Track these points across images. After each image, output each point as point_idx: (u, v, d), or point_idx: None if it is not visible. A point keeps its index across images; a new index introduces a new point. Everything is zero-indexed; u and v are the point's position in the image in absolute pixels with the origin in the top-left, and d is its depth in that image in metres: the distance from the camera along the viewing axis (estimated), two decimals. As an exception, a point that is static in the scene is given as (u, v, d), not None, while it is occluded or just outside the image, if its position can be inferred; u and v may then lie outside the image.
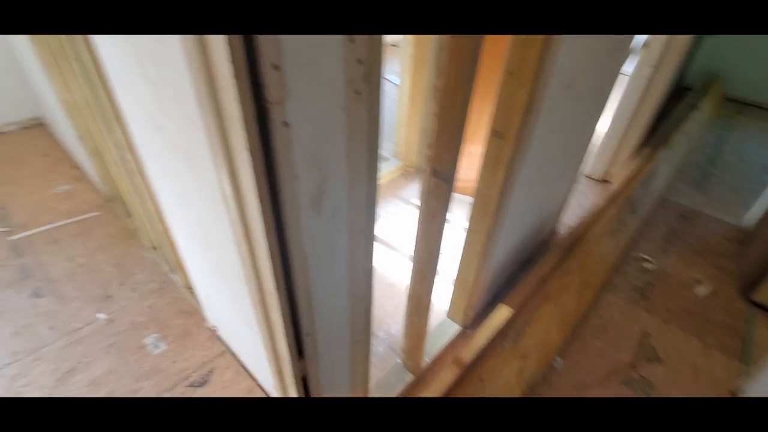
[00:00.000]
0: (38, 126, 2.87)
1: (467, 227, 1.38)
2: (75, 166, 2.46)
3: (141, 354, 1.50)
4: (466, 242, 1.41)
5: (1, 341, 1.48)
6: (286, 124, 0.47)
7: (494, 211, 1.25)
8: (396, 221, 2.24)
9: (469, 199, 1.34)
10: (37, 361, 1.43)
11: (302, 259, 0.62)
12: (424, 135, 0.87)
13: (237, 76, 0.39)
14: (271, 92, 0.43)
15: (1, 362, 1.42)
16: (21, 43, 1.99)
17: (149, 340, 1.55)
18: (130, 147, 1.25)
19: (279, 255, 0.59)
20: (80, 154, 2.18)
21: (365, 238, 0.72)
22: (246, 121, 0.43)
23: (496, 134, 1.14)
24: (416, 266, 1.12)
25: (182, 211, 1.07)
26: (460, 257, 1.48)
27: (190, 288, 1.66)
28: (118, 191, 1.92)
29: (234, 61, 0.38)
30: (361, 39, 0.50)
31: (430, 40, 2.19)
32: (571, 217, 2.29)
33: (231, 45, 0.38)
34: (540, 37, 0.98)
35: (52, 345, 1.49)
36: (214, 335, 1.58)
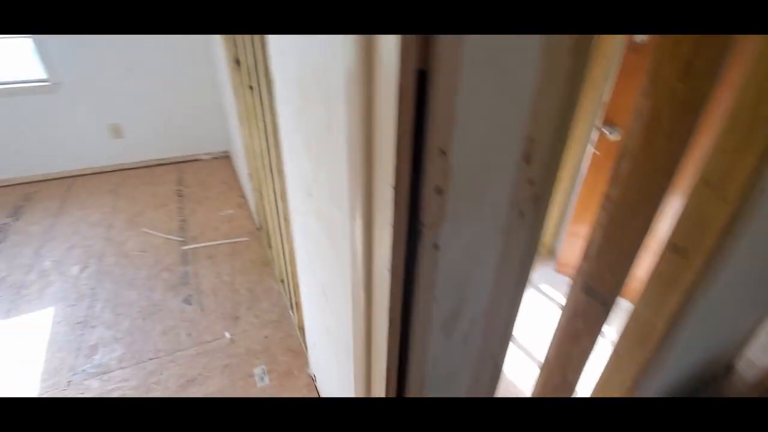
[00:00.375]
0: (225, 158, 3.55)
1: (615, 348, 1.12)
2: (241, 196, 2.93)
3: (248, 382, 1.59)
4: (609, 366, 1.14)
5: (151, 336, 1.75)
6: (435, 247, 0.42)
7: (657, 341, 0.99)
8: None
9: (624, 303, 1.09)
10: (171, 363, 1.64)
11: (420, 381, 0.54)
12: (590, 246, 0.73)
13: (396, 203, 0.35)
14: (428, 215, 0.39)
15: (146, 355, 1.66)
16: (228, 97, 2.50)
17: (257, 371, 1.64)
18: (282, 196, 1.40)
19: (396, 372, 0.52)
20: (247, 187, 2.58)
21: (494, 365, 0.61)
22: (395, 244, 0.39)
23: (676, 250, 0.92)
24: (543, 387, 0.94)
25: (311, 268, 1.12)
26: (597, 380, 1.20)
27: (302, 328, 1.73)
28: (265, 224, 2.18)
29: (397, 187, 0.35)
30: (539, 159, 0.43)
31: (581, 136, 2.02)
32: (760, 353, 1.72)
33: (398, 171, 0.35)
34: (760, 144, 0.76)
35: (185, 351, 1.70)
36: (312, 384, 1.59)
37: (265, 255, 2.30)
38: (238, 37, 1.66)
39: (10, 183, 2.98)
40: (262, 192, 2.01)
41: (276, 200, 1.53)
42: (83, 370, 1.58)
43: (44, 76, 2.79)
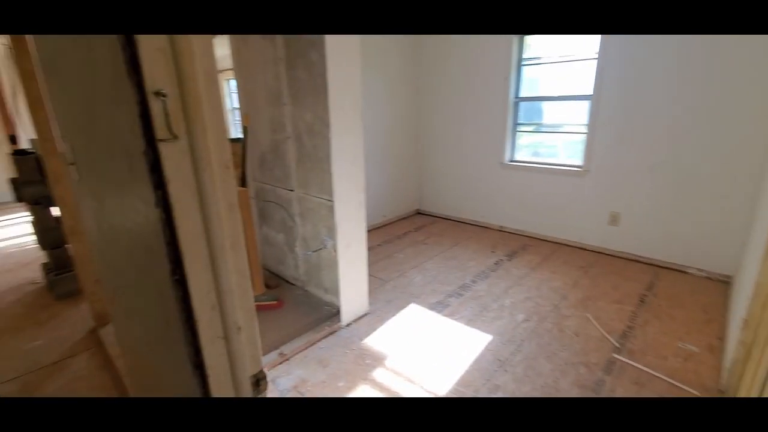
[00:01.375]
0: (722, 283, 2.81)
1: None
2: (719, 337, 2.22)
3: None
4: None
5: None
6: None
7: None
8: None
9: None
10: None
11: None
12: None
13: None
14: None
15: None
16: (764, 222, 1.91)
17: None
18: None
19: None
20: (733, 332, 1.92)
21: None
22: None
23: None
24: None
25: None
26: None
27: None
28: (735, 393, 1.53)
29: None
30: None
31: None
32: None
33: None
34: None
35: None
36: None
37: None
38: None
39: (520, 233, 3.93)
40: (751, 353, 1.41)
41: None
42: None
43: (580, 163, 3.38)
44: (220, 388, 0.69)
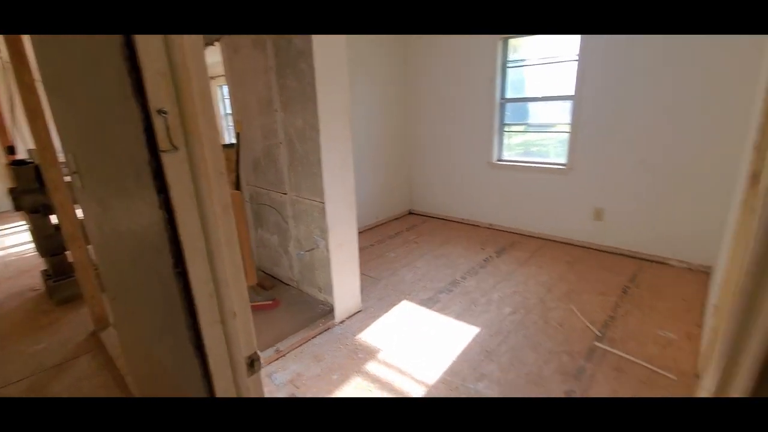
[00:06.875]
0: (703, 273, 2.93)
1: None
2: (698, 324, 2.33)
3: None
4: None
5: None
6: None
7: None
8: None
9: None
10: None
11: None
12: None
13: None
14: None
15: None
16: (734, 211, 2.03)
17: None
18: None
19: None
20: (709, 319, 2.02)
21: None
22: None
23: None
24: None
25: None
26: None
27: None
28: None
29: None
30: None
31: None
32: None
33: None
34: None
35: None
36: None
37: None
38: (769, 149, 1.31)
39: (508, 230, 4.04)
40: (718, 337, 1.52)
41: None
42: (467, 386, 1.94)
43: (564, 161, 3.50)
44: (218, 368, 0.78)
